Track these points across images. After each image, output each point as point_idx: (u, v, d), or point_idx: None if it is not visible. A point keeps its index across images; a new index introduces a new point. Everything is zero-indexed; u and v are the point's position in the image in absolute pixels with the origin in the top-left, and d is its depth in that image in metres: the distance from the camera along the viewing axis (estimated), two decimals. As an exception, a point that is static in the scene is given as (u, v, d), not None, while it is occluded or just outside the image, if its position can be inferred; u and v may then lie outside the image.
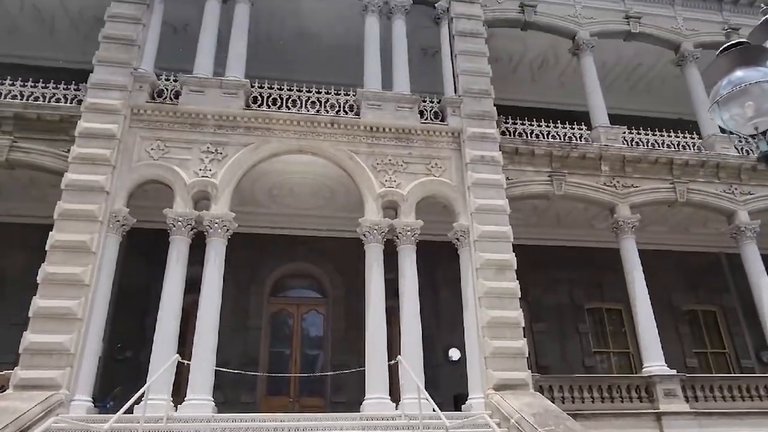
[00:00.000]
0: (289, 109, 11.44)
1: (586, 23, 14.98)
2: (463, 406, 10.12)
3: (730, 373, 14.63)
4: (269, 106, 11.40)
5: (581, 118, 13.98)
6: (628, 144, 13.42)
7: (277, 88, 11.66)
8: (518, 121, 13.20)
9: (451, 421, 8.15)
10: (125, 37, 11.41)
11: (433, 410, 8.26)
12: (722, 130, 13.28)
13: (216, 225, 10.15)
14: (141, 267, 11.85)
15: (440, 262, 12.33)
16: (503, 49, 15.20)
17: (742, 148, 13.77)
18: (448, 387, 11.78)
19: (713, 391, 11.25)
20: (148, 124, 10.83)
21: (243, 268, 12.70)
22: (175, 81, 11.34)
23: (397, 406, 9.33)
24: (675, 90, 16.26)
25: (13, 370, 8.57)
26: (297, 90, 11.77)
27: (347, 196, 12.10)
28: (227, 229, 10.27)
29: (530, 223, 14.05)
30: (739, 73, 4.09)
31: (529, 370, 10.07)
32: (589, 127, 13.64)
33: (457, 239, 11.11)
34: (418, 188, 11.20)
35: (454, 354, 13.13)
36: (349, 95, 11.88)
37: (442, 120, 12.11)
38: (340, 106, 11.75)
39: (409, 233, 10.75)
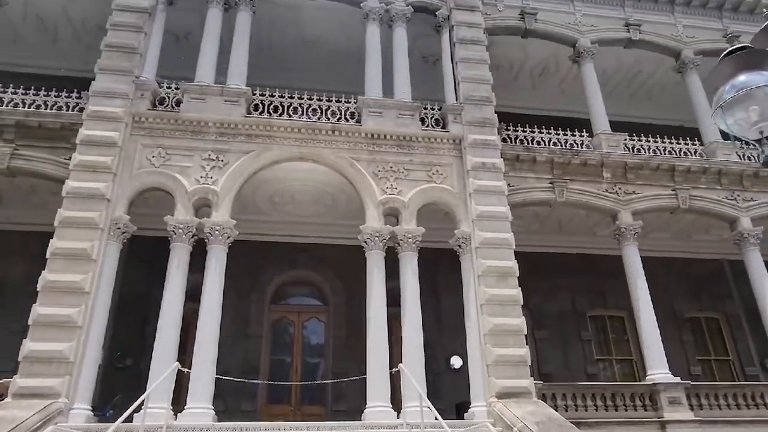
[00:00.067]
0: (290, 116, 11.45)
1: (586, 31, 15.04)
2: (465, 414, 10.02)
3: (735, 381, 14.55)
4: (270, 114, 11.41)
5: (582, 125, 13.98)
6: (629, 151, 13.41)
7: (278, 96, 11.67)
8: (519, 128, 13.21)
9: (454, 429, 8.10)
10: (127, 46, 11.45)
11: (435, 419, 8.17)
12: (724, 137, 13.56)
13: (217, 232, 10.13)
14: (141, 274, 11.81)
15: (442, 269, 12.32)
16: (504, 56, 15.25)
17: (743, 155, 13.78)
18: (450, 395, 11.70)
19: (718, 399, 11.16)
20: (149, 132, 10.84)
21: (244, 275, 12.65)
22: (177, 89, 11.36)
23: (398, 415, 9.24)
24: (675, 97, 16.28)
25: (12, 378, 8.51)
26: (298, 97, 11.78)
27: (348, 203, 12.08)
28: (228, 237, 10.24)
29: (532, 230, 14.02)
30: (742, 78, 4.06)
31: (532, 378, 10.01)
32: (590, 134, 13.64)
33: (459, 246, 11.07)
34: (419, 195, 11.18)
35: (456, 362, 13.06)
36: (350, 103, 11.88)
37: (443, 127, 12.11)
38: (341, 114, 11.75)
39: (410, 240, 10.72)
